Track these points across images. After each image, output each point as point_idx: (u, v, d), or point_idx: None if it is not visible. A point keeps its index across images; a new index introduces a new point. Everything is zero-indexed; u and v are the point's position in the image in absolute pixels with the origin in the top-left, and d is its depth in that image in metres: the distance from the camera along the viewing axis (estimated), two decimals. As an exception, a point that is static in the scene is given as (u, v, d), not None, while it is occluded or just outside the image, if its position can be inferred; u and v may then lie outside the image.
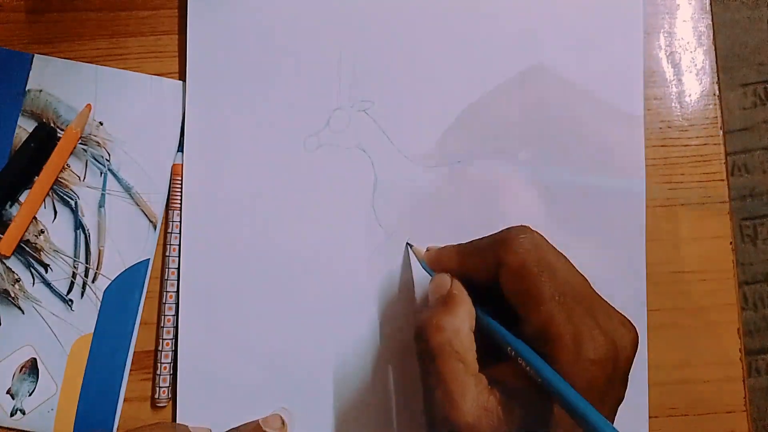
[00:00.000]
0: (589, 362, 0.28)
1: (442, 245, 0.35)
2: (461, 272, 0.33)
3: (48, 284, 0.40)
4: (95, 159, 0.41)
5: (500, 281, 0.31)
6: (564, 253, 0.35)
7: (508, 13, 0.41)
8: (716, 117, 0.41)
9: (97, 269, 0.40)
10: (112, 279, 0.40)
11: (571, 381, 0.27)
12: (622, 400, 0.30)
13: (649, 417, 0.39)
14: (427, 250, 0.36)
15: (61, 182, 0.41)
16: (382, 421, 0.39)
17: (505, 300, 0.31)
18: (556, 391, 0.27)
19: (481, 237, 0.33)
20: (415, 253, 0.38)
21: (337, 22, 0.41)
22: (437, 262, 0.35)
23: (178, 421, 0.39)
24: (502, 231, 0.32)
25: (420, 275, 0.39)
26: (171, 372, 0.40)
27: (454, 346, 0.30)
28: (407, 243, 0.39)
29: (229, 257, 0.40)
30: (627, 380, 0.30)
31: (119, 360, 0.40)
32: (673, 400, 0.40)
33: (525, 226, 0.32)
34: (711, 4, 0.42)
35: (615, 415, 0.30)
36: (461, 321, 0.31)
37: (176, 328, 0.40)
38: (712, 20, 0.42)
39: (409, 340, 0.39)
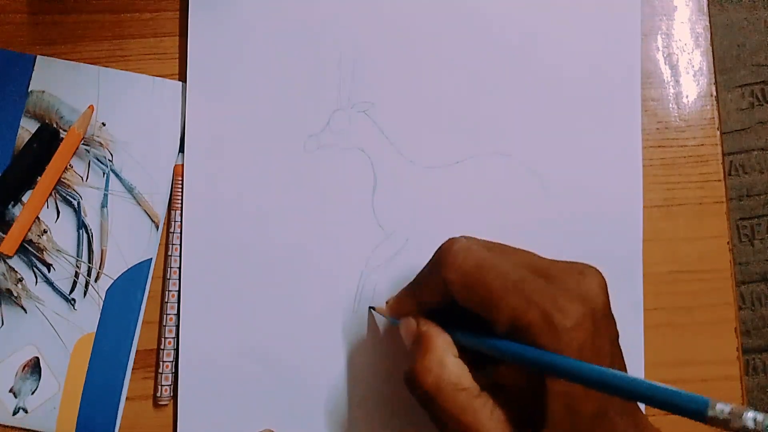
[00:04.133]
0: (569, 330, 0.27)
1: (396, 294, 0.36)
2: (421, 309, 0.33)
3: (51, 284, 0.40)
4: (98, 159, 0.41)
5: (456, 299, 0.31)
6: (561, 252, 0.35)
7: (507, 14, 0.41)
8: (713, 118, 0.42)
9: (99, 269, 0.41)
10: (115, 278, 0.40)
11: (563, 354, 0.27)
12: (618, 335, 0.30)
13: (647, 415, 0.39)
14: (387, 303, 0.37)
15: (63, 182, 0.41)
16: (384, 416, 0.39)
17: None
18: (556, 368, 0.27)
19: (420, 270, 0.34)
20: (379, 312, 0.39)
21: (337, 23, 0.41)
22: (398, 310, 0.35)
23: (179, 419, 0.39)
24: (435, 252, 0.32)
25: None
26: (173, 371, 0.40)
27: (447, 380, 0.30)
28: (370, 307, 0.40)
29: (229, 257, 0.40)
30: (612, 317, 0.30)
31: (121, 359, 0.40)
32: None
33: (452, 239, 0.32)
34: (708, 5, 0.43)
35: (620, 349, 0.30)
36: (442, 353, 0.31)
37: (178, 327, 0.40)
38: (710, 22, 0.42)
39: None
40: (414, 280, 0.34)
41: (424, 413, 0.30)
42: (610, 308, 0.30)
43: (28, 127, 0.41)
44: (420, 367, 0.30)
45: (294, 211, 0.40)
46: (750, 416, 0.22)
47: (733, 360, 0.40)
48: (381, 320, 0.40)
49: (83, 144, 0.41)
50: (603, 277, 0.30)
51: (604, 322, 0.29)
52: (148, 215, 0.41)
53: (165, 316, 0.40)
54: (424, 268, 0.33)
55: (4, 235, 0.40)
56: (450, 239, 0.32)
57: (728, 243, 0.41)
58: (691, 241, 0.41)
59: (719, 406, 0.23)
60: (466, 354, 0.31)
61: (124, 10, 0.42)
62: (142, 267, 0.41)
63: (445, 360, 0.30)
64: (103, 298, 0.40)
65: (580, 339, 0.27)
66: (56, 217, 0.41)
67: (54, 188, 0.41)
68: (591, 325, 0.28)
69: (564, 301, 0.28)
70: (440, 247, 0.32)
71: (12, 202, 0.41)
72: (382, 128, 0.41)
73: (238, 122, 0.41)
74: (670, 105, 0.42)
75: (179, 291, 0.40)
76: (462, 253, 0.31)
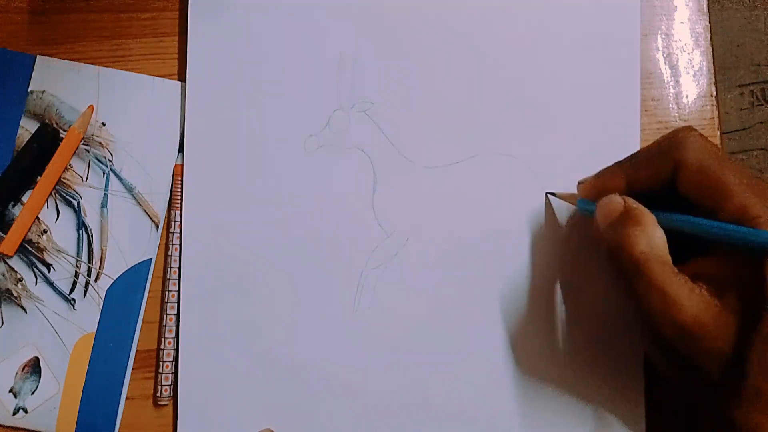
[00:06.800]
0: None
1: (594, 174, 0.36)
2: (629, 187, 0.34)
3: (51, 284, 0.40)
4: (98, 159, 0.41)
5: (680, 182, 0.32)
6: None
7: (506, 14, 0.41)
8: (713, 118, 0.42)
9: (99, 269, 0.41)
10: (115, 278, 0.40)
11: None
12: None
13: (646, 412, 0.39)
14: (580, 183, 0.37)
15: (63, 182, 0.41)
16: (374, 415, 0.39)
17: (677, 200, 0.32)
18: None
19: (638, 150, 0.35)
20: (563, 198, 0.39)
21: (337, 22, 0.41)
22: (600, 187, 0.35)
23: (179, 419, 0.39)
24: (667, 136, 0.33)
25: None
26: (173, 371, 0.40)
27: (656, 252, 0.31)
28: (546, 193, 0.40)
29: (229, 257, 0.40)
30: None
31: (121, 359, 0.40)
32: (671, 396, 0.40)
33: (688, 126, 0.33)
34: (708, 5, 0.43)
35: None
36: (653, 227, 0.31)
37: (178, 327, 0.40)
38: (710, 22, 0.42)
39: (415, 339, 0.40)
40: (631, 157, 0.35)
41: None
42: None
43: (28, 127, 0.41)
44: (631, 236, 0.31)
45: (294, 211, 0.40)
46: None
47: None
48: (379, 309, 0.40)
49: (83, 144, 0.41)
50: None
51: None
52: (148, 215, 0.41)
53: (165, 316, 0.40)
54: (648, 148, 0.34)
55: (4, 235, 0.40)
56: (686, 126, 0.33)
57: (728, 243, 0.41)
58: (691, 241, 0.41)
59: None
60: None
61: (124, 10, 0.42)
62: (142, 267, 0.41)
63: (655, 234, 0.31)
64: (103, 298, 0.40)
65: None
66: (56, 217, 0.41)
67: (54, 188, 0.41)
68: None
69: None
70: (676, 131, 0.33)
71: (12, 202, 0.41)
72: (382, 128, 0.41)
73: (238, 122, 0.41)
74: (670, 105, 0.42)
75: (179, 291, 0.40)
76: (702, 141, 0.32)
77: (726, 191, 0.30)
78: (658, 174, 0.33)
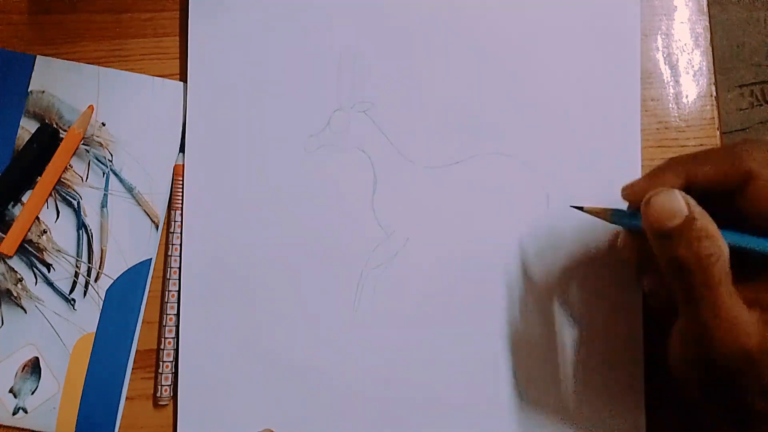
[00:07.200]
0: None
1: (644, 174, 0.32)
2: (685, 186, 0.30)
3: (50, 284, 0.40)
4: (98, 159, 0.41)
5: (747, 196, 0.29)
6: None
7: (506, 14, 0.41)
8: (713, 118, 0.42)
9: (99, 269, 0.41)
10: (115, 278, 0.40)
11: None
12: None
13: (646, 412, 0.39)
14: (624, 188, 0.33)
15: (63, 182, 0.41)
16: (374, 415, 0.39)
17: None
18: None
19: (696, 152, 0.31)
20: (592, 213, 0.34)
21: (337, 23, 0.41)
22: (652, 182, 0.31)
23: (179, 419, 0.39)
24: (735, 144, 0.30)
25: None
26: (173, 371, 0.40)
27: (724, 271, 0.27)
28: (571, 206, 0.35)
29: (229, 257, 0.40)
30: None
31: (121, 359, 0.40)
32: (671, 396, 0.40)
33: (758, 139, 0.30)
34: (708, 5, 0.43)
35: None
36: (724, 245, 0.27)
37: (178, 327, 0.40)
38: (710, 22, 0.42)
39: (415, 339, 0.40)
40: (696, 154, 0.31)
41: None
42: None
43: (28, 127, 0.41)
44: (704, 250, 0.27)
45: (294, 211, 0.40)
46: None
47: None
48: (379, 309, 0.40)
49: (83, 144, 0.41)
50: None
51: None
52: (148, 215, 0.41)
53: (165, 316, 0.40)
54: (708, 151, 0.31)
55: (4, 235, 0.40)
56: (756, 139, 0.30)
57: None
58: (691, 241, 0.41)
59: None
60: None
61: (124, 10, 0.42)
62: (142, 267, 0.41)
63: (725, 252, 0.27)
64: (103, 298, 0.40)
65: None
66: (56, 217, 0.41)
67: (54, 188, 0.41)
68: None
69: None
70: (745, 140, 0.30)
71: (12, 202, 0.41)
72: (382, 128, 0.41)
73: (239, 122, 0.41)
74: (670, 105, 0.42)
75: (179, 291, 0.40)
76: None
77: None
78: (724, 181, 0.30)
